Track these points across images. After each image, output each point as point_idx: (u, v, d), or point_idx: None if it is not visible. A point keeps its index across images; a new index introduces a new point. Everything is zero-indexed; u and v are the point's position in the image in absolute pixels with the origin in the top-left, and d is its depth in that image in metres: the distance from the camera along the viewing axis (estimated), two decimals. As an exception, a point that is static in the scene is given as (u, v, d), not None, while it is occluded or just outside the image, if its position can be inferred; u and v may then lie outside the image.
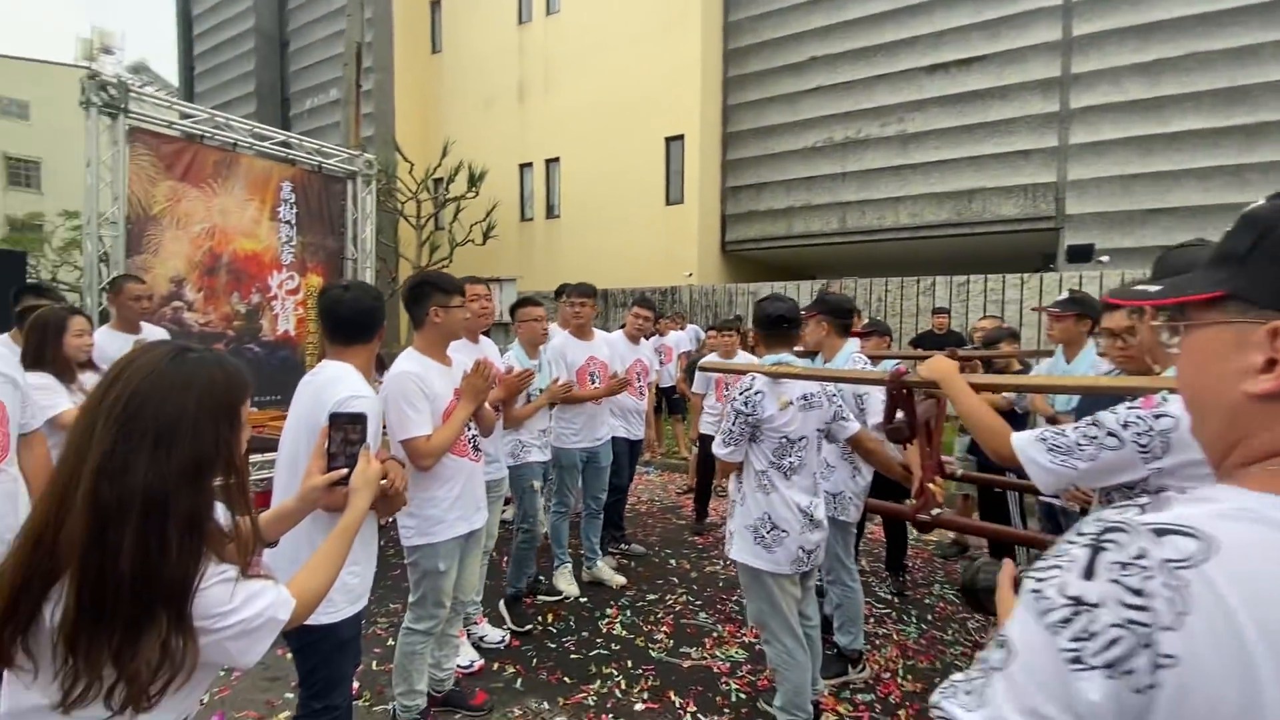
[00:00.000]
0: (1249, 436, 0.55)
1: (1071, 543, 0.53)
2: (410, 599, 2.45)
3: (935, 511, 1.97)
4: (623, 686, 2.89)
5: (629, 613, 3.62)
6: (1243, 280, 0.56)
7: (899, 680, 2.95)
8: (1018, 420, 3.60)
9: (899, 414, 1.86)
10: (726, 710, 2.72)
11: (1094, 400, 2.27)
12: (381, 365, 3.46)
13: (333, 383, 1.81)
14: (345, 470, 1.41)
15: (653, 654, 3.17)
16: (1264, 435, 0.54)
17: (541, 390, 3.41)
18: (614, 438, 4.06)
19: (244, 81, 21.15)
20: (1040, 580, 0.52)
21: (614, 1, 13.78)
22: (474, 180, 13.44)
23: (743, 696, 2.82)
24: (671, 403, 7.27)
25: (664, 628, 3.44)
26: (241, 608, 1.00)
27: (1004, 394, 3.53)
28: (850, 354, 2.88)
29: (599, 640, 3.30)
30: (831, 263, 14.70)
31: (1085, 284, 8.46)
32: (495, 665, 3.03)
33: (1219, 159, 9.72)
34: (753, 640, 3.25)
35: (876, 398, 2.84)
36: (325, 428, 1.44)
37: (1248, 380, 0.54)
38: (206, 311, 5.20)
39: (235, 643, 1.00)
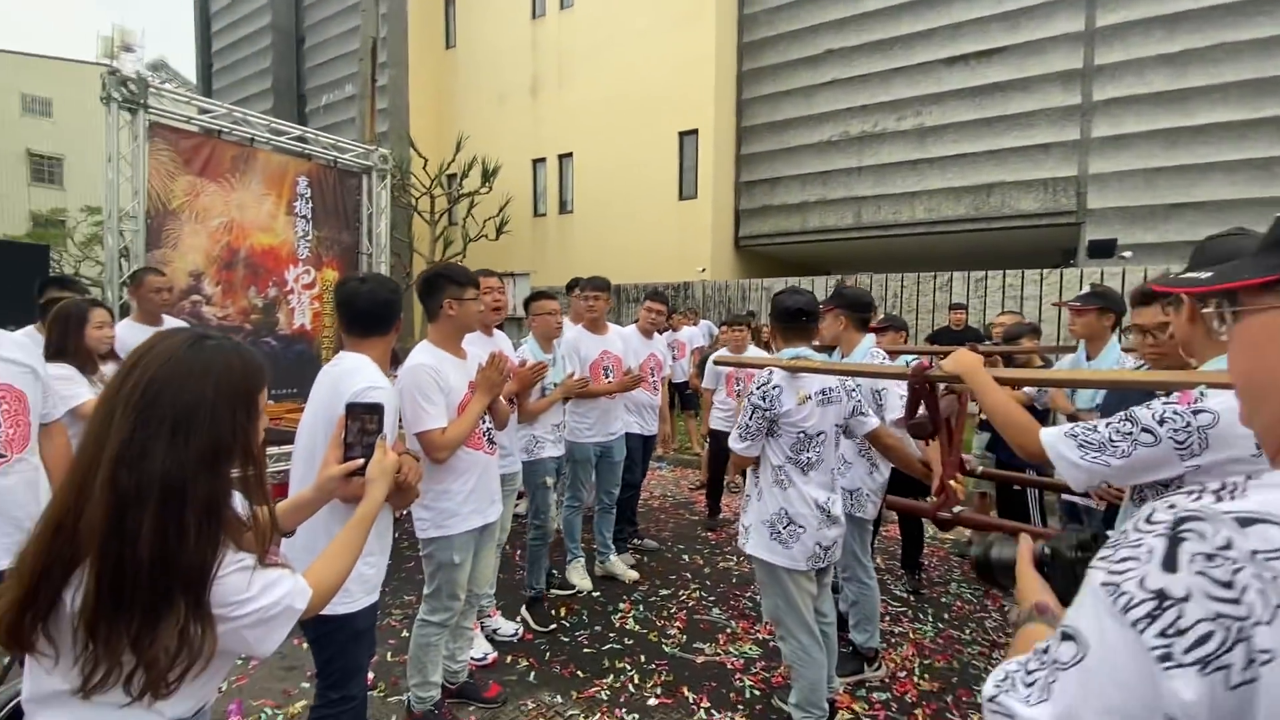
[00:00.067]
0: None
1: (1143, 532, 0.51)
2: (425, 591, 2.46)
3: (956, 509, 1.94)
4: (635, 681, 2.88)
5: (642, 608, 3.61)
6: None
7: (915, 679, 2.92)
8: (1037, 417, 3.53)
9: (921, 409, 1.83)
10: (740, 707, 2.71)
11: (1120, 397, 2.22)
12: (395, 360, 3.47)
13: (350, 374, 1.82)
14: (362, 460, 1.40)
15: (666, 649, 3.16)
16: None
17: (556, 385, 3.40)
18: (628, 434, 4.05)
19: (261, 78, 21.37)
20: (1114, 573, 0.50)
21: (628, -5, 13.74)
22: (487, 175, 13.47)
23: (757, 693, 2.80)
24: (684, 398, 7.25)
25: (677, 623, 3.43)
26: (259, 596, 1.00)
27: (1023, 389, 3.47)
28: (868, 349, 2.84)
29: (612, 635, 3.30)
30: (846, 258, 14.56)
31: (1106, 280, 8.30)
32: (508, 658, 3.04)
33: (1247, 152, 9.49)
34: (766, 637, 3.23)
35: (894, 393, 2.80)
36: (342, 418, 1.43)
37: None
38: (224, 305, 5.26)
39: (252, 631, 1.00)
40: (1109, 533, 1.48)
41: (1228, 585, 0.45)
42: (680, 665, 3.02)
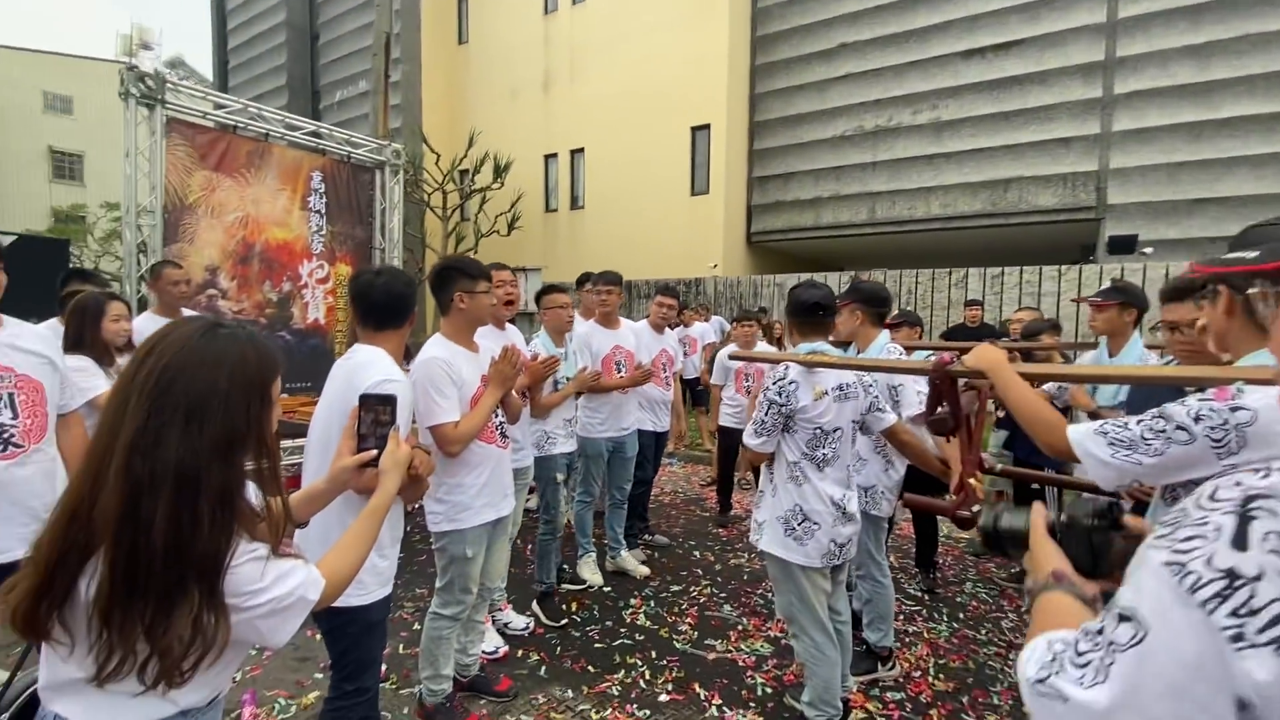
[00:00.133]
0: None
1: (1207, 510, 0.49)
2: (437, 584, 2.46)
3: (976, 508, 1.89)
4: (647, 677, 2.87)
5: (653, 603, 3.60)
6: None
7: (930, 679, 2.88)
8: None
9: (942, 405, 1.79)
10: (752, 704, 2.69)
11: (1146, 394, 2.17)
12: (408, 354, 3.48)
13: (365, 366, 1.82)
14: (375, 451, 1.40)
15: (677, 645, 3.15)
16: None
17: (568, 379, 3.39)
18: (639, 430, 4.03)
19: (276, 75, 21.55)
20: (1178, 551, 0.48)
21: (640, -10, 13.67)
22: (499, 171, 13.50)
23: (769, 691, 2.78)
24: (695, 394, 7.22)
25: (688, 619, 3.41)
26: (272, 586, 0.99)
27: (1042, 387, 3.41)
28: (885, 345, 2.80)
29: (623, 630, 3.29)
30: (860, 254, 14.44)
31: (1127, 276, 8.15)
32: (519, 652, 3.04)
33: (1274, 146, 9.27)
34: (778, 634, 3.21)
35: (910, 389, 2.76)
36: (356, 409, 1.43)
37: None
38: (240, 300, 5.30)
39: (266, 621, 1.00)
40: (1122, 503, 1.44)
41: None
42: (691, 661, 3.00)
